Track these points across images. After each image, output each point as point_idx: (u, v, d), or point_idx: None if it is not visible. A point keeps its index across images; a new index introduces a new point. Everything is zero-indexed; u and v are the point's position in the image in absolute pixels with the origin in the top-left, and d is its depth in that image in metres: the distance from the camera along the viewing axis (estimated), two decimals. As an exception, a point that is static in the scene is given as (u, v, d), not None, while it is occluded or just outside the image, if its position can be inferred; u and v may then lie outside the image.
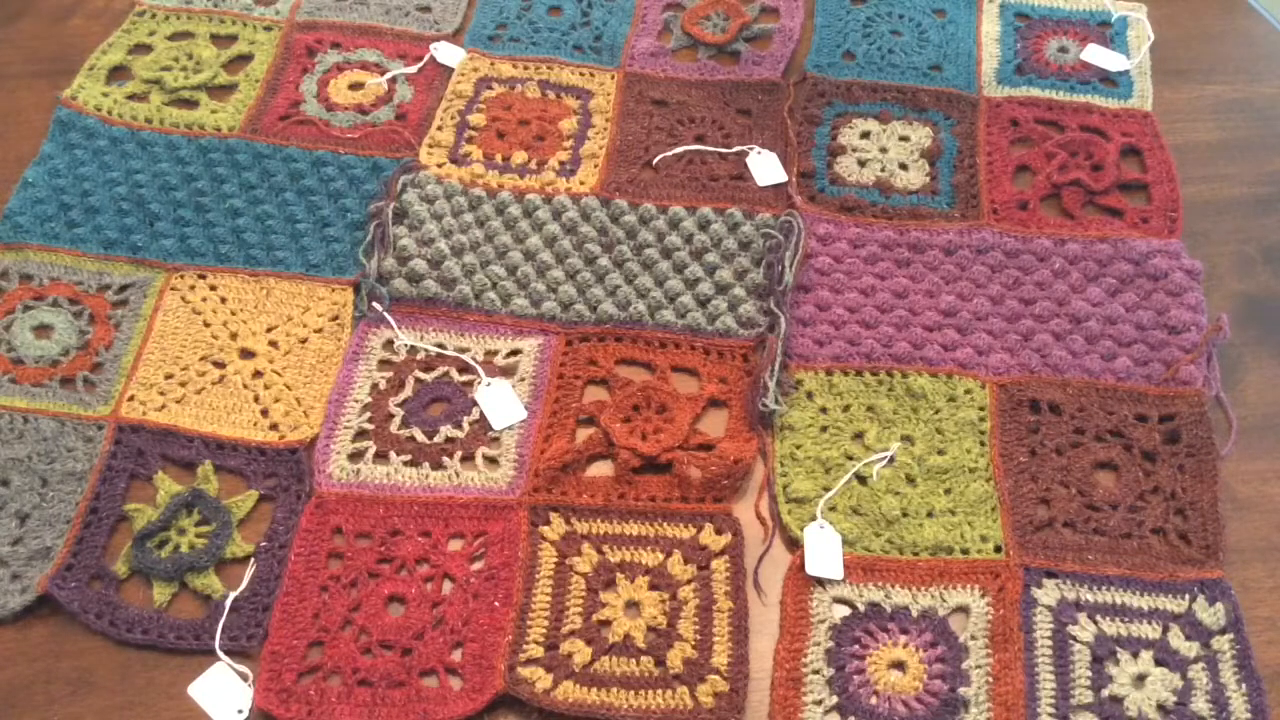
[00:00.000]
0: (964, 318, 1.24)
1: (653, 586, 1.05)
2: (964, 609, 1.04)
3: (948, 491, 1.11)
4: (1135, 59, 1.50)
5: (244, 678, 0.99)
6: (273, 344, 1.22)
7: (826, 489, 1.11)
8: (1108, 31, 1.54)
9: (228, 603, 1.02)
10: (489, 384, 1.18)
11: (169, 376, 1.19)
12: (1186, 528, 1.08)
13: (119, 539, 1.08)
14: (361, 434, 1.15)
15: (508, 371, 1.21)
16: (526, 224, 1.31)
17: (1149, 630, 1.02)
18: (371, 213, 1.30)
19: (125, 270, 1.27)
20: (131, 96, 1.44)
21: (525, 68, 1.49)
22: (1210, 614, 1.02)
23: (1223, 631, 1.01)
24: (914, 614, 1.03)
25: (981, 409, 1.17)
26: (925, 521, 1.09)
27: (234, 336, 1.23)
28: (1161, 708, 0.97)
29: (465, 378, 1.20)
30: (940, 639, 1.02)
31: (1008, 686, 0.98)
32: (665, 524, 1.09)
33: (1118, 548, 1.07)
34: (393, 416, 1.16)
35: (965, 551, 1.07)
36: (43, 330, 1.22)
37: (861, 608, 1.04)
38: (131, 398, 1.17)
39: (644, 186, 1.35)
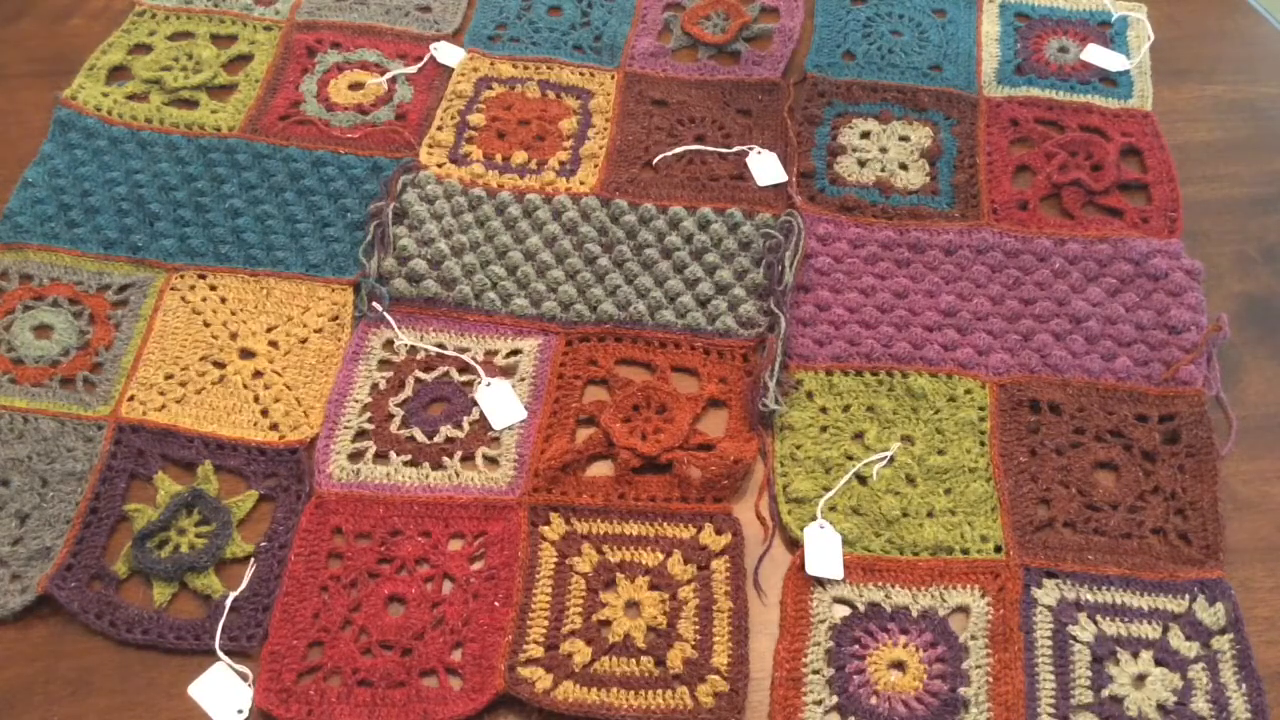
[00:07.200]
0: (964, 318, 1.24)
1: (653, 586, 1.05)
2: (964, 609, 1.04)
3: (948, 491, 1.11)
4: (1135, 59, 1.50)
5: (244, 678, 0.99)
6: (273, 344, 1.22)
7: (826, 489, 1.11)
8: (1108, 31, 1.54)
9: (228, 603, 1.02)
10: (489, 384, 1.18)
11: (169, 376, 1.19)
12: (1186, 528, 1.08)
13: (119, 539, 1.08)
14: (361, 434, 1.15)
15: (508, 371, 1.21)
16: (526, 224, 1.31)
17: (1149, 630, 1.02)
18: (371, 213, 1.29)
19: (125, 270, 1.27)
20: (131, 96, 1.44)
21: (525, 68, 1.49)
22: (1210, 614, 1.02)
23: (1223, 631, 1.01)
24: (914, 614, 1.03)
25: (981, 409, 1.17)
26: (925, 521, 1.09)
27: (234, 336, 1.23)
28: (1161, 708, 0.97)
29: (465, 378, 1.20)
30: (940, 639, 1.02)
31: (1008, 686, 0.98)
32: (665, 524, 1.09)
33: (1118, 548, 1.07)
34: (393, 416, 1.16)
35: (965, 551, 1.07)
36: (43, 330, 1.22)
37: (861, 608, 1.04)
38: (131, 398, 1.17)
39: (644, 186, 1.35)
